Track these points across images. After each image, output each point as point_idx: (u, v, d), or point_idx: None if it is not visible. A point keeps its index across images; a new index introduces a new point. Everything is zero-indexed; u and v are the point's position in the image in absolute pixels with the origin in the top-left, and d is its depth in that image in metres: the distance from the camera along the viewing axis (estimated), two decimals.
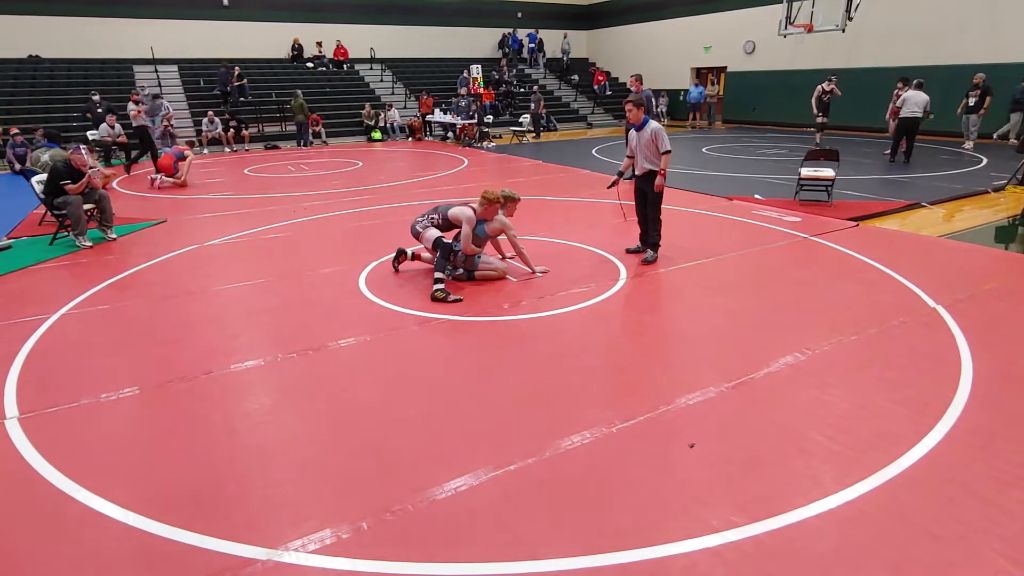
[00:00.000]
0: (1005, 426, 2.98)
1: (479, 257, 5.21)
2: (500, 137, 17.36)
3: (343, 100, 19.16)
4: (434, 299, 4.75)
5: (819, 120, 13.32)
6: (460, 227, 5.07)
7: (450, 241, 5.05)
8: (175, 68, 18.30)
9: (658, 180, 5.47)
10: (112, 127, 12.69)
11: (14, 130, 11.74)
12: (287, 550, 2.25)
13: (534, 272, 5.28)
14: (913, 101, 10.84)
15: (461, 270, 5.19)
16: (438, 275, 4.88)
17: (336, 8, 21.08)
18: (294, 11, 20.36)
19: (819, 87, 12.98)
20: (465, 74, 18.89)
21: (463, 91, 18.11)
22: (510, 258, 5.60)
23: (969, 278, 5.17)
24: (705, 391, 3.35)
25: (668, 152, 5.44)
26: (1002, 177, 9.33)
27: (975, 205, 8.06)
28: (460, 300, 4.75)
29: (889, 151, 11.70)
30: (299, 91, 16.16)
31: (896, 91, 11.97)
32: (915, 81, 11.33)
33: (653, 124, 5.52)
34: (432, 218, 5.22)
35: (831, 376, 3.52)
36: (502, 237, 5.45)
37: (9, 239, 6.82)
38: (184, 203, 9.11)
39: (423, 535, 2.32)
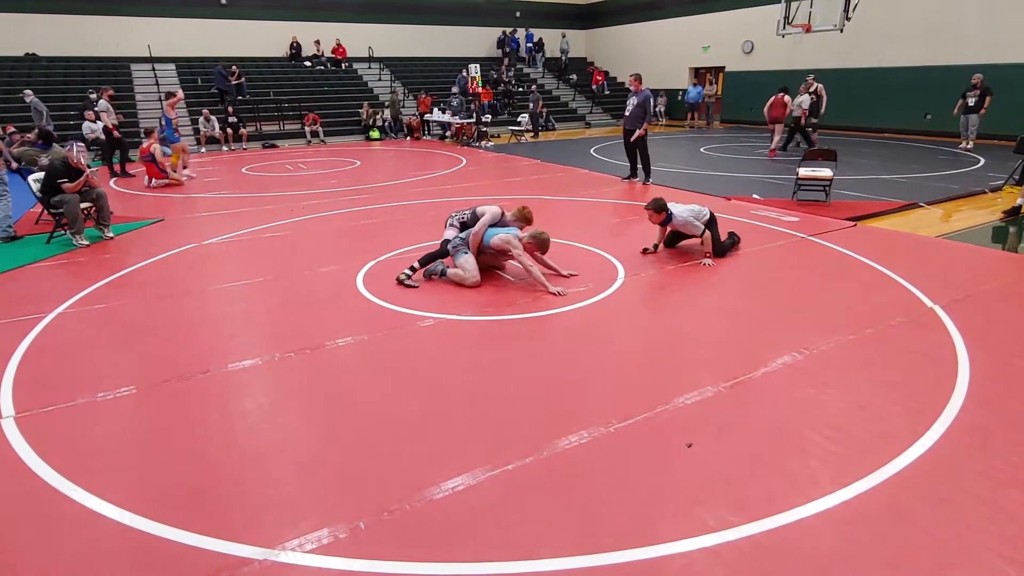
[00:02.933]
0: (1002, 426, 2.99)
1: (462, 254, 5.05)
2: (498, 136, 17.35)
3: (341, 99, 19.14)
4: (397, 280, 5.14)
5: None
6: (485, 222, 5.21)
7: (448, 247, 5.25)
8: (172, 67, 18.27)
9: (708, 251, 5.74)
10: (93, 122, 12.72)
11: (10, 128, 11.70)
12: (284, 550, 2.25)
13: (547, 290, 4.90)
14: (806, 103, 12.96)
15: (441, 266, 5.24)
16: (415, 264, 5.19)
17: (334, 7, 21.07)
18: (292, 10, 20.34)
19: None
20: (463, 73, 18.89)
21: (455, 89, 18.13)
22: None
23: (966, 278, 5.18)
24: (703, 391, 3.36)
25: (703, 233, 5.63)
26: (999, 177, 9.35)
27: (972, 205, 8.08)
28: (415, 286, 5.04)
29: (792, 143, 13.40)
30: (398, 89, 17.84)
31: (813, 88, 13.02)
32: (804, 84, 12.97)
33: (677, 215, 5.60)
34: (465, 214, 5.41)
35: (828, 376, 3.52)
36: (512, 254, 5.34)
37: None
38: (181, 202, 9.09)
39: (420, 535, 2.32)
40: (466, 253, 5.08)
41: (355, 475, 2.69)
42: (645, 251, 5.99)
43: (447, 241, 5.29)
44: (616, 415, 3.11)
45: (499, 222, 5.29)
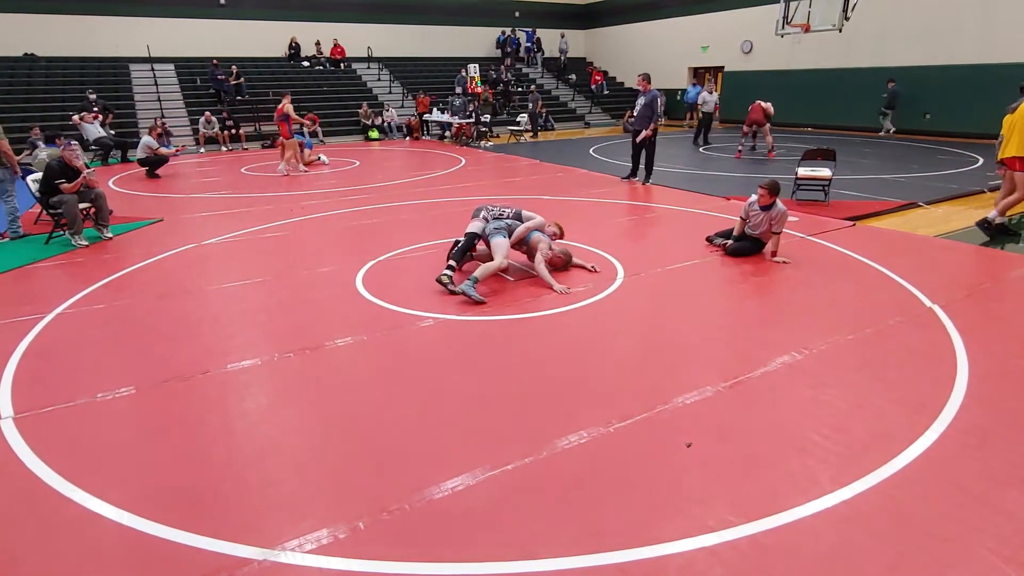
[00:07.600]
0: (1001, 425, 2.99)
1: (500, 236, 5.22)
2: (498, 136, 17.35)
3: (340, 99, 19.12)
4: (438, 280, 4.98)
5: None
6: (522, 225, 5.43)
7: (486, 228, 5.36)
8: (171, 67, 18.24)
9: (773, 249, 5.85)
10: (90, 123, 12.80)
11: None
12: (283, 550, 2.24)
13: (552, 288, 5.00)
14: (712, 100, 14.76)
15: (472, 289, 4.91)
16: (452, 262, 5.16)
17: (333, 7, 21.05)
18: (291, 10, 20.33)
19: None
20: (463, 73, 18.88)
21: (458, 90, 18.09)
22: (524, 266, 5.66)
23: (965, 278, 5.18)
24: (702, 391, 3.36)
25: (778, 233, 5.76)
26: (999, 177, 9.35)
27: (971, 205, 8.09)
28: (458, 292, 4.79)
29: (699, 139, 14.90)
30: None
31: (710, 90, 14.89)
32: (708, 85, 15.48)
33: (779, 206, 5.66)
34: (504, 211, 5.52)
35: (828, 376, 3.52)
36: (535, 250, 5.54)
37: (5, 237, 6.80)
38: (180, 202, 9.08)
39: (420, 535, 2.32)
40: (505, 237, 5.24)
41: (354, 475, 2.69)
42: (710, 241, 6.16)
43: (473, 234, 5.36)
44: (615, 415, 3.11)
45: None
